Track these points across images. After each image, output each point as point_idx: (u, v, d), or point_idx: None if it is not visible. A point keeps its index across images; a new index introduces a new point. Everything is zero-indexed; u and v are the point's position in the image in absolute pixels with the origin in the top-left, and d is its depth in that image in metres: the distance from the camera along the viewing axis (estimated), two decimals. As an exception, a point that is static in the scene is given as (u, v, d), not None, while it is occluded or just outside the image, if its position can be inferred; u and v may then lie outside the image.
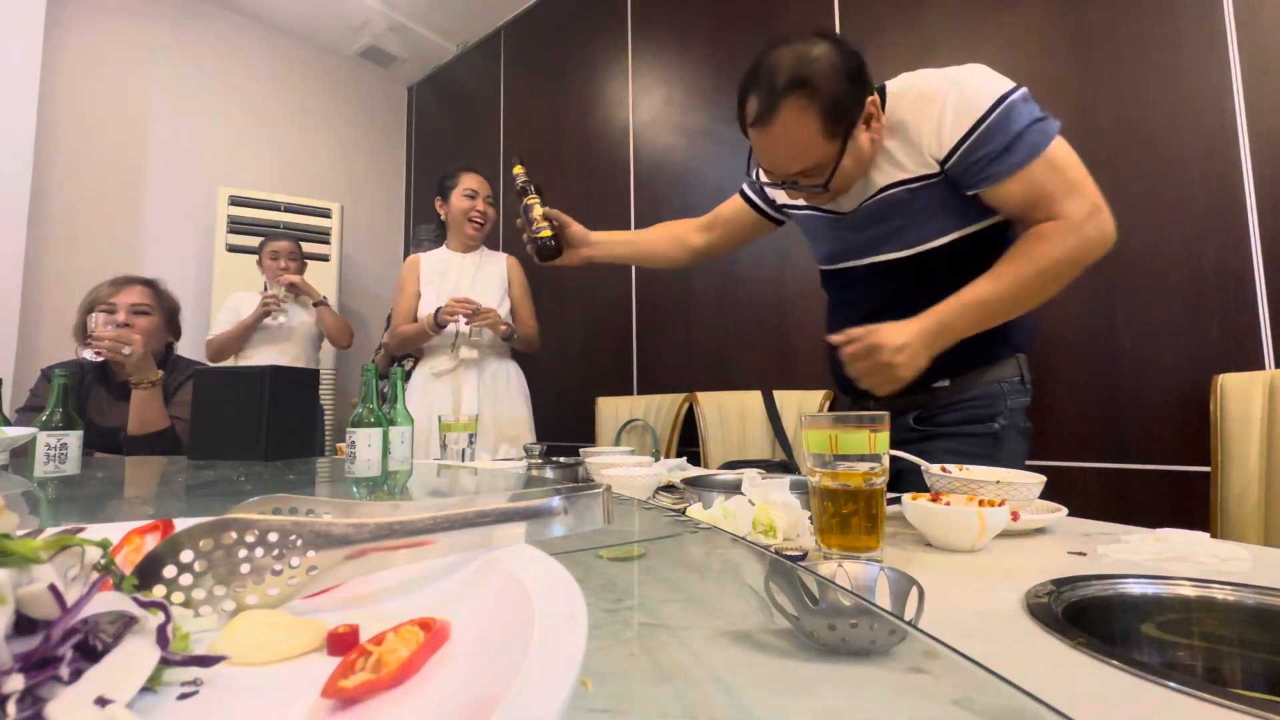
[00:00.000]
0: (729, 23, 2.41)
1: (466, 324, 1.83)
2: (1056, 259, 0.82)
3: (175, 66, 3.18)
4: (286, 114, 3.58)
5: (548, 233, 1.30)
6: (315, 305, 2.62)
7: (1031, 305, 0.86)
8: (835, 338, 0.89)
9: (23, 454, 1.03)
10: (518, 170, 1.39)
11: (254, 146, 3.43)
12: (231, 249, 3.08)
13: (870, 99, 0.88)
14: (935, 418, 1.01)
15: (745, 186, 1.25)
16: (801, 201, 1.08)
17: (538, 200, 1.32)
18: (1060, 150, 0.84)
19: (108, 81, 2.98)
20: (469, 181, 1.97)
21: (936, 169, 0.89)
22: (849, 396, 1.12)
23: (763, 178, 1.08)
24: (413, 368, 2.48)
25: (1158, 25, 1.52)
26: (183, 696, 0.20)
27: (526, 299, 2.08)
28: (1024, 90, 0.85)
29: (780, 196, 1.16)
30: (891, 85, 0.94)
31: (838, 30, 2.08)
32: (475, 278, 1.98)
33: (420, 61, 3.90)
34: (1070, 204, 0.83)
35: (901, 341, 0.83)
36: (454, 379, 1.91)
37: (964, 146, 0.85)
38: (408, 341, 1.94)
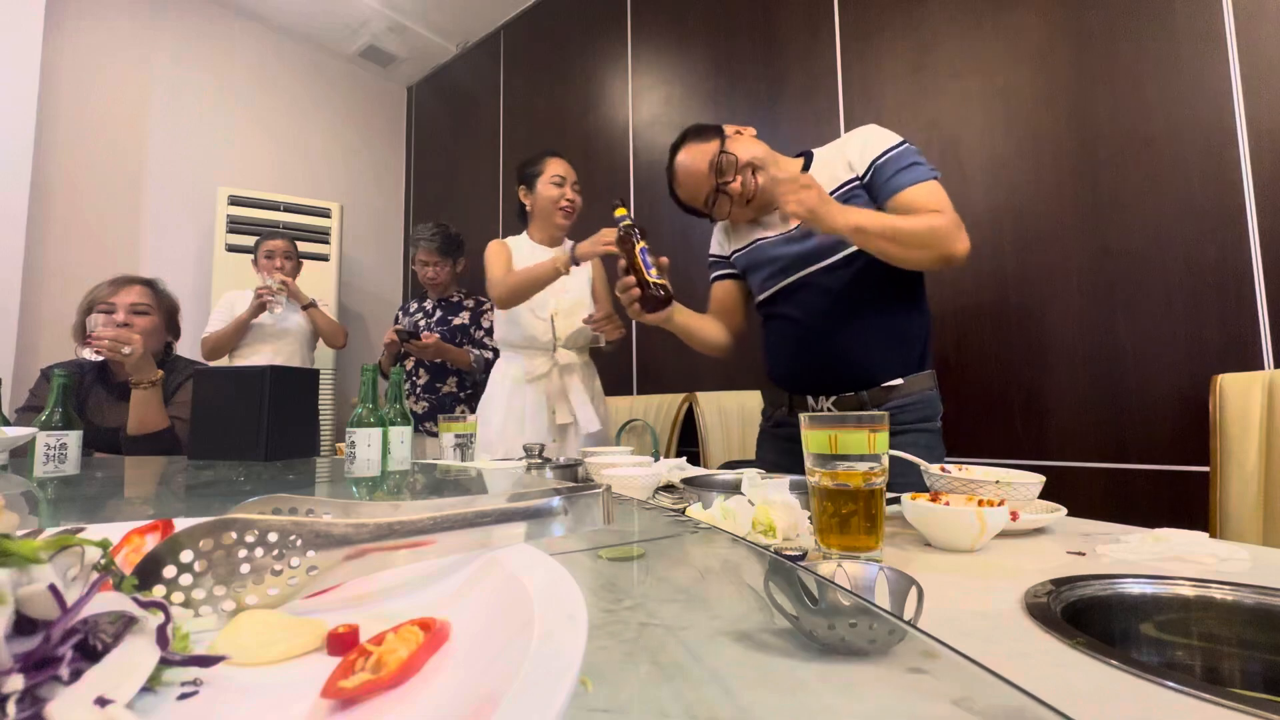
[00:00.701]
0: (729, 23, 2.41)
1: (595, 332, 1.67)
2: (936, 227, 1.05)
3: (175, 66, 3.18)
4: (286, 114, 3.58)
5: (665, 282, 1.18)
6: (305, 308, 2.62)
7: (907, 252, 1.06)
8: (780, 177, 1.09)
9: (22, 454, 1.03)
10: (621, 212, 1.27)
11: (253, 146, 3.43)
12: (231, 249, 3.08)
13: (728, 126, 1.27)
14: (896, 416, 1.12)
15: (715, 274, 1.43)
16: (747, 239, 1.31)
17: (646, 245, 1.21)
18: (939, 187, 1.11)
19: (107, 81, 2.98)
20: (555, 167, 1.77)
21: (858, 176, 1.16)
22: (795, 393, 1.27)
23: (715, 249, 1.42)
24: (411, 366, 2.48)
25: (1157, 25, 1.52)
26: (183, 696, 0.20)
27: (609, 295, 1.85)
28: (914, 145, 1.15)
29: (730, 246, 1.38)
30: (818, 149, 1.26)
31: (837, 30, 2.08)
32: (568, 276, 1.75)
33: (420, 61, 3.90)
34: (949, 213, 1.07)
35: (824, 194, 1.06)
36: (549, 384, 1.73)
37: (879, 162, 1.13)
38: (525, 285, 1.64)
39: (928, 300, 1.23)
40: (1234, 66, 1.42)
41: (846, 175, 1.18)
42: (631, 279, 1.17)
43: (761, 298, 1.31)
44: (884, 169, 1.13)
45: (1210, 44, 1.44)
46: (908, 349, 1.18)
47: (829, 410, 1.22)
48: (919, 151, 1.15)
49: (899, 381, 1.16)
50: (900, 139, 1.16)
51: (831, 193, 1.16)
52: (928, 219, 1.05)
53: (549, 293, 1.70)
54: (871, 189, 1.15)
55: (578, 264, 1.60)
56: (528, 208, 1.81)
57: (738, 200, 1.24)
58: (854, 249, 1.15)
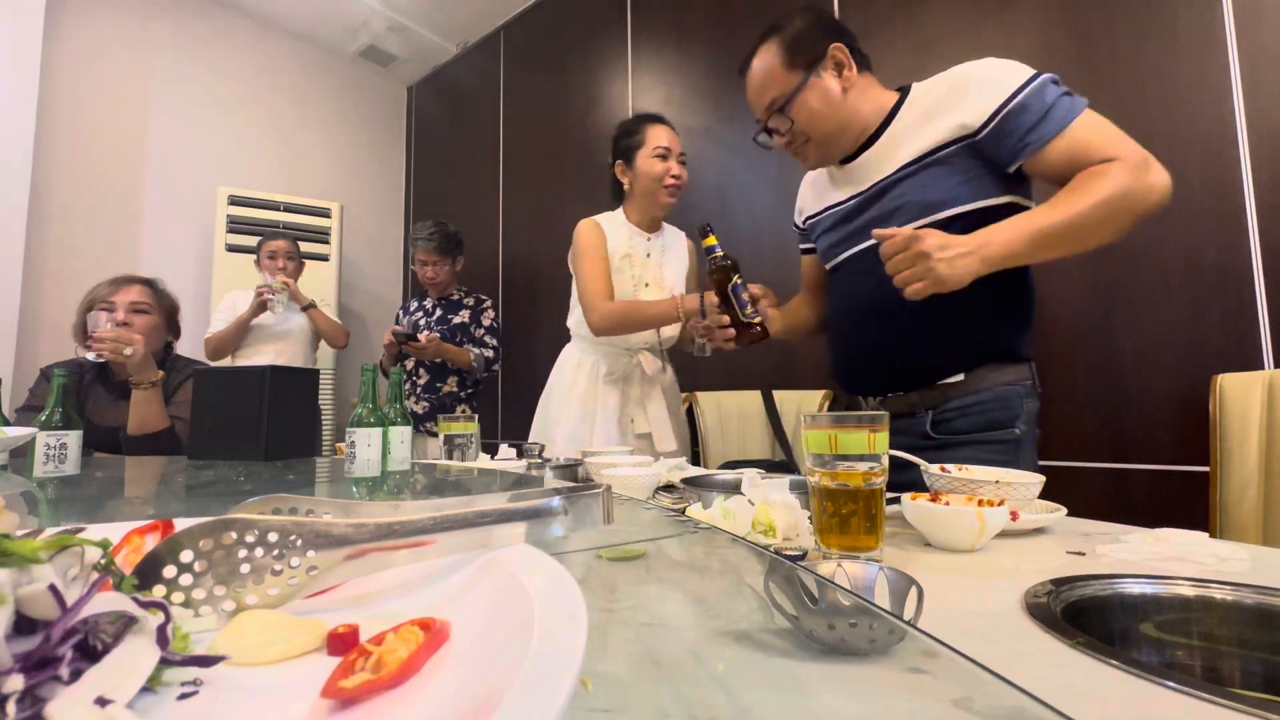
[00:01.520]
0: (729, 22, 2.41)
1: (700, 339, 1.31)
2: (1115, 192, 0.80)
3: (175, 66, 3.18)
4: (286, 114, 3.58)
5: (760, 318, 1.08)
6: (305, 309, 2.62)
7: (1086, 243, 0.83)
8: (878, 232, 0.87)
9: (22, 454, 1.03)
10: (711, 241, 1.12)
11: (253, 146, 3.43)
12: (231, 249, 3.08)
13: (835, 45, 0.99)
14: (952, 423, 0.96)
15: (800, 245, 1.29)
16: (820, 205, 1.14)
17: (740, 280, 1.08)
18: (1096, 116, 0.86)
19: (107, 81, 2.98)
20: (659, 137, 1.48)
21: (965, 138, 0.91)
22: (850, 393, 1.12)
23: (797, 217, 1.24)
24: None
25: (1157, 25, 1.52)
26: (183, 696, 0.20)
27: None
28: (1053, 75, 0.88)
29: (806, 211, 1.20)
30: (919, 82, 1.01)
31: (837, 30, 2.08)
32: (661, 266, 1.54)
33: (420, 61, 3.90)
34: (1120, 149, 0.83)
35: (946, 240, 0.81)
36: (627, 388, 1.54)
37: (1002, 114, 0.87)
38: (636, 321, 1.43)
39: (1031, 271, 0.98)
40: (1234, 66, 1.42)
41: (950, 133, 0.92)
42: (725, 317, 1.07)
43: (828, 271, 1.13)
44: (1018, 118, 0.86)
45: (1210, 44, 1.44)
46: (981, 334, 0.94)
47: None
48: (1058, 79, 0.88)
49: (959, 378, 0.95)
50: (1032, 71, 0.88)
51: (923, 157, 0.94)
52: (1097, 185, 0.80)
53: (640, 288, 1.50)
54: (999, 146, 0.89)
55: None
56: (625, 185, 1.55)
57: (787, 147, 1.05)
58: (920, 222, 0.92)
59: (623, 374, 1.53)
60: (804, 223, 1.21)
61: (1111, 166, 0.81)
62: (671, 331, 1.54)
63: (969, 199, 0.92)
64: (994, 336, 0.95)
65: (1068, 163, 0.85)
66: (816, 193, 1.16)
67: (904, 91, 1.01)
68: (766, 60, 1.02)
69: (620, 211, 1.59)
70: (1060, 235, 0.81)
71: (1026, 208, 0.92)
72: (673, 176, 1.49)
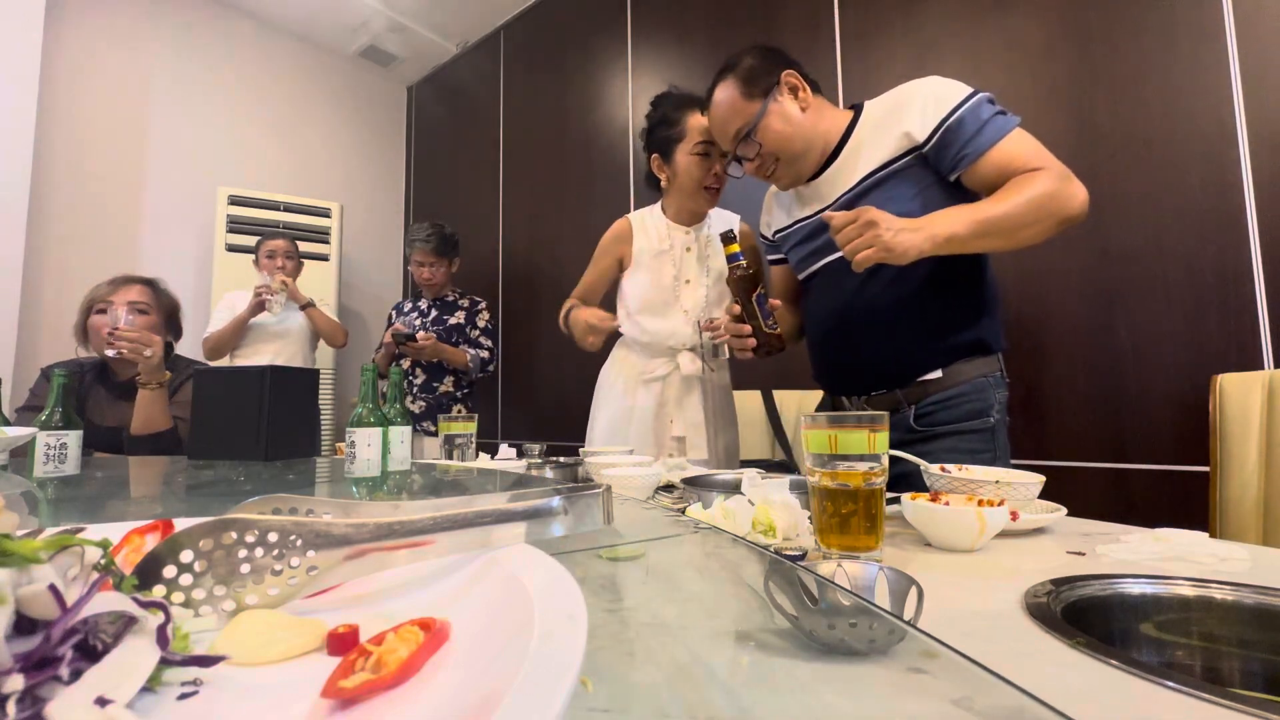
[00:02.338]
0: (728, 22, 2.41)
1: (713, 341, 1.31)
2: (1043, 193, 0.89)
3: (175, 66, 3.18)
4: (286, 114, 3.58)
5: (780, 330, 1.08)
6: (303, 308, 2.62)
7: (1018, 237, 0.91)
8: (827, 215, 0.93)
9: (22, 454, 1.03)
10: (733, 249, 1.10)
11: (253, 146, 3.43)
12: (231, 249, 3.08)
13: (787, 72, 1.07)
14: (935, 415, 1.03)
15: (769, 257, 1.33)
16: (789, 219, 1.18)
17: (763, 290, 1.08)
18: (1025, 134, 0.95)
19: (107, 81, 2.98)
20: (700, 131, 1.35)
21: (914, 149, 1.00)
22: (835, 394, 1.17)
23: (765, 230, 1.29)
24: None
25: (1157, 26, 1.52)
26: (183, 696, 0.20)
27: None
28: (987, 93, 0.98)
29: (774, 225, 1.25)
30: (870, 100, 1.09)
31: (837, 30, 2.08)
32: (701, 263, 1.45)
33: (420, 61, 3.90)
34: (1045, 162, 0.92)
35: (892, 217, 0.88)
36: (664, 388, 1.46)
37: (943, 128, 0.96)
38: (573, 328, 1.46)
39: (990, 267, 1.06)
40: (1234, 66, 1.42)
41: (900, 146, 1.00)
42: (746, 327, 1.07)
43: (802, 281, 1.19)
44: (956, 132, 0.94)
45: (1210, 44, 1.44)
46: (953, 332, 1.01)
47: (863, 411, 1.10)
48: (992, 98, 0.97)
49: (937, 374, 1.01)
50: (969, 90, 0.97)
51: (880, 169, 1.01)
52: (1028, 187, 0.89)
53: (681, 283, 1.44)
54: (941, 157, 0.97)
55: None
56: (663, 182, 1.45)
57: (758, 172, 1.12)
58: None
59: (662, 374, 1.46)
60: (773, 236, 1.25)
61: (1038, 174, 0.91)
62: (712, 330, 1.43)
63: (923, 211, 0.96)
64: (966, 332, 1.02)
65: (998, 173, 0.94)
66: (784, 207, 1.22)
67: (857, 110, 1.09)
68: (726, 94, 1.09)
69: (659, 206, 1.51)
70: (996, 225, 0.89)
71: None
72: (715, 176, 1.38)
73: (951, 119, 0.95)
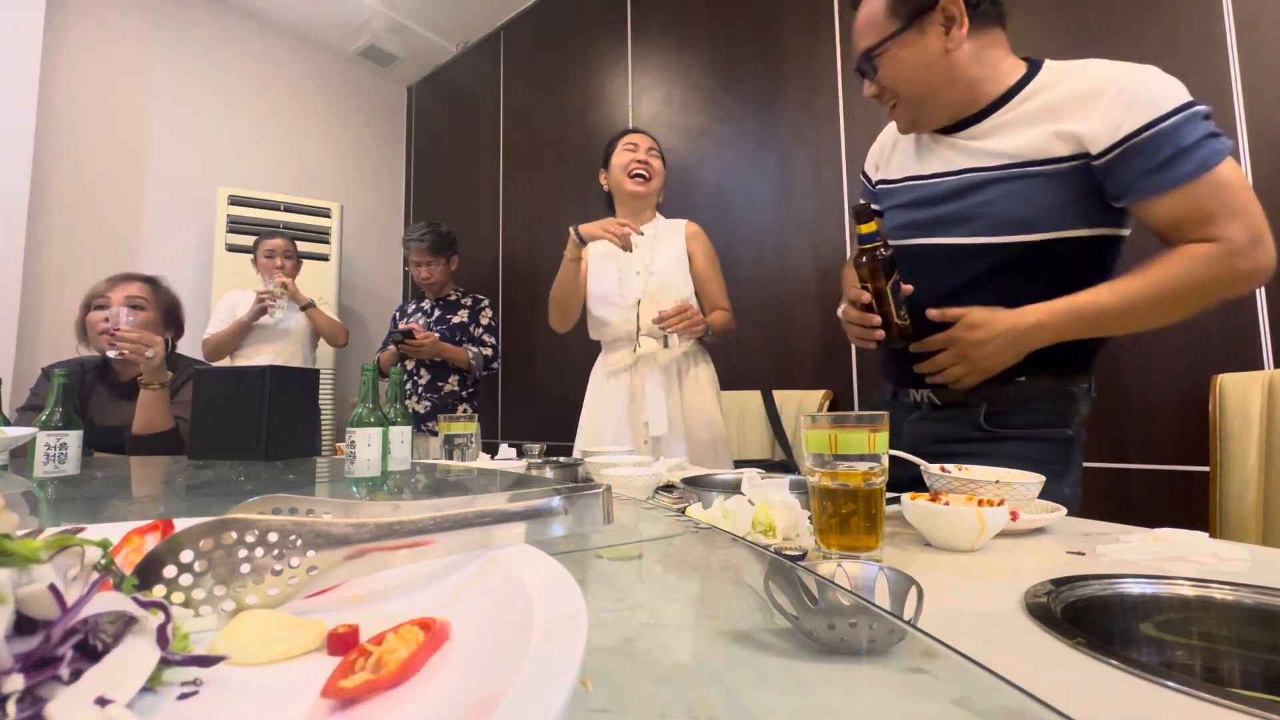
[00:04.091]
0: (729, 23, 2.41)
1: (663, 330, 1.43)
2: (1193, 284, 0.76)
3: (175, 66, 3.18)
4: (286, 114, 3.58)
5: (907, 322, 0.94)
6: (304, 309, 2.62)
7: (1145, 327, 0.81)
8: (934, 313, 0.85)
9: (23, 454, 1.03)
10: (869, 228, 0.91)
11: (254, 146, 3.43)
12: (231, 249, 3.09)
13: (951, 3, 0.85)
14: (1007, 416, 0.91)
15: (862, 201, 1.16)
16: (901, 172, 1.02)
17: (898, 276, 0.94)
18: (1230, 169, 0.76)
19: (107, 81, 2.98)
20: (629, 138, 1.60)
21: (1082, 155, 0.81)
22: (898, 385, 1.04)
23: (870, 169, 1.11)
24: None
25: (1157, 26, 1.52)
26: (183, 696, 0.20)
27: (716, 274, 1.61)
28: (1207, 107, 0.78)
29: (883, 170, 1.08)
30: (1053, 62, 0.88)
31: (837, 30, 2.08)
32: (652, 252, 1.56)
33: (420, 61, 3.90)
34: (1231, 227, 0.75)
35: (984, 337, 0.81)
36: (633, 376, 1.53)
37: (1130, 143, 0.77)
38: (556, 292, 1.58)
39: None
40: (1234, 66, 1.42)
41: (1066, 147, 0.81)
42: (874, 317, 0.92)
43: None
44: (1141, 154, 0.76)
45: (1210, 44, 1.44)
46: (1051, 348, 0.85)
47: (929, 405, 0.99)
48: (1207, 114, 0.76)
49: (1020, 379, 0.89)
50: (1179, 101, 0.76)
51: (1028, 164, 0.83)
52: (1189, 265, 0.75)
53: (629, 275, 1.53)
54: (1111, 176, 0.79)
55: (585, 243, 1.47)
56: (606, 188, 1.64)
57: (879, 99, 0.95)
58: (1005, 239, 0.84)
59: (627, 364, 1.52)
60: (875, 183, 1.09)
61: (1204, 253, 0.76)
62: (651, 315, 1.48)
63: (1062, 226, 0.84)
64: (1062, 349, 0.86)
65: (1172, 223, 0.78)
66: (900, 153, 1.04)
67: (1032, 68, 0.88)
68: (873, 1, 0.89)
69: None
70: (1114, 320, 0.79)
71: (1122, 238, 0.87)
72: (638, 162, 1.55)
73: (1140, 137, 0.76)
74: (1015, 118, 0.87)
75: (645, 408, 1.47)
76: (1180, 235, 0.79)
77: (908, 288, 0.93)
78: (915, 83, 0.89)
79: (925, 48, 0.87)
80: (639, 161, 1.55)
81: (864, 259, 0.93)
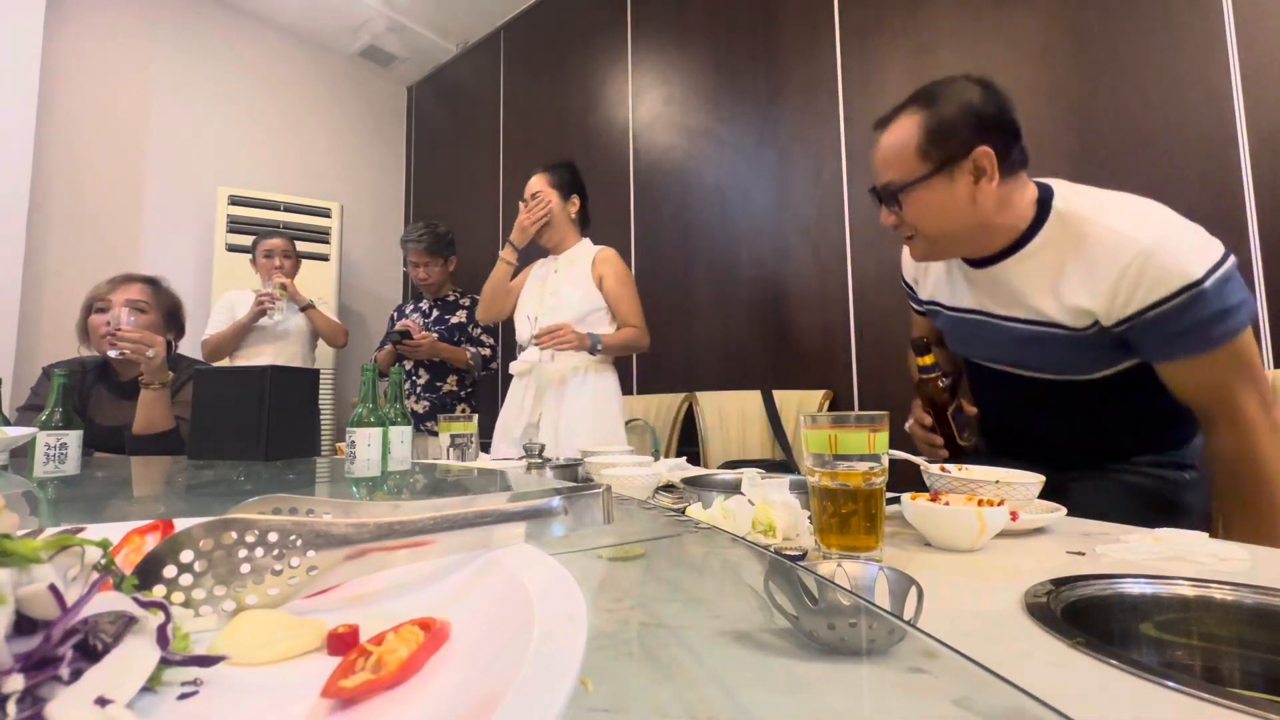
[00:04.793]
0: (729, 23, 2.41)
1: (538, 345, 1.60)
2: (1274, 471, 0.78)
3: (175, 66, 3.18)
4: (286, 114, 3.58)
5: (973, 441, 1.02)
6: (303, 309, 2.62)
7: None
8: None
9: (23, 454, 1.03)
10: (927, 360, 0.99)
11: (254, 146, 3.43)
12: (231, 248, 3.09)
13: (982, 150, 0.84)
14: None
15: (911, 303, 1.19)
16: (949, 300, 1.04)
17: (961, 403, 1.02)
18: (1248, 338, 0.77)
19: (107, 81, 2.98)
20: (527, 188, 1.82)
21: (1098, 322, 0.83)
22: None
23: (911, 282, 1.13)
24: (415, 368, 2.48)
25: (1157, 26, 1.52)
26: (183, 696, 0.20)
27: (626, 293, 1.71)
28: (1234, 260, 0.77)
29: (922, 285, 1.11)
30: (1066, 204, 0.86)
31: (837, 30, 2.08)
32: (559, 279, 1.74)
33: (420, 61, 3.90)
34: (1247, 396, 0.78)
35: None
36: (528, 382, 1.71)
37: (1148, 317, 0.78)
38: (487, 293, 1.81)
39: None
40: (1234, 66, 1.42)
41: (1078, 319, 0.83)
42: (938, 437, 1.00)
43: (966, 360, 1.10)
44: (1156, 326, 0.78)
45: (1210, 44, 1.44)
46: (1143, 436, 0.92)
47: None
48: (1229, 277, 0.75)
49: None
50: (1204, 269, 0.75)
51: (1048, 325, 0.87)
52: (1262, 463, 0.76)
53: (536, 293, 1.75)
54: (1126, 338, 0.83)
55: (518, 249, 1.73)
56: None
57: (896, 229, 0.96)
58: (1108, 371, 0.88)
59: (522, 369, 1.72)
60: (924, 304, 1.10)
61: (1250, 446, 0.78)
62: (530, 330, 1.67)
63: (1096, 368, 0.90)
64: (1153, 438, 0.92)
65: (1182, 386, 0.81)
66: (942, 274, 1.05)
67: (1043, 204, 0.87)
68: (903, 135, 0.88)
69: None
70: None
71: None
72: (525, 215, 1.77)
73: (1157, 311, 0.76)
74: (1032, 268, 0.88)
75: (528, 405, 1.68)
76: (1197, 399, 0.83)
77: (971, 410, 1.01)
78: (939, 224, 0.90)
79: (953, 194, 0.87)
80: (527, 215, 1.76)
81: (925, 387, 1.01)
